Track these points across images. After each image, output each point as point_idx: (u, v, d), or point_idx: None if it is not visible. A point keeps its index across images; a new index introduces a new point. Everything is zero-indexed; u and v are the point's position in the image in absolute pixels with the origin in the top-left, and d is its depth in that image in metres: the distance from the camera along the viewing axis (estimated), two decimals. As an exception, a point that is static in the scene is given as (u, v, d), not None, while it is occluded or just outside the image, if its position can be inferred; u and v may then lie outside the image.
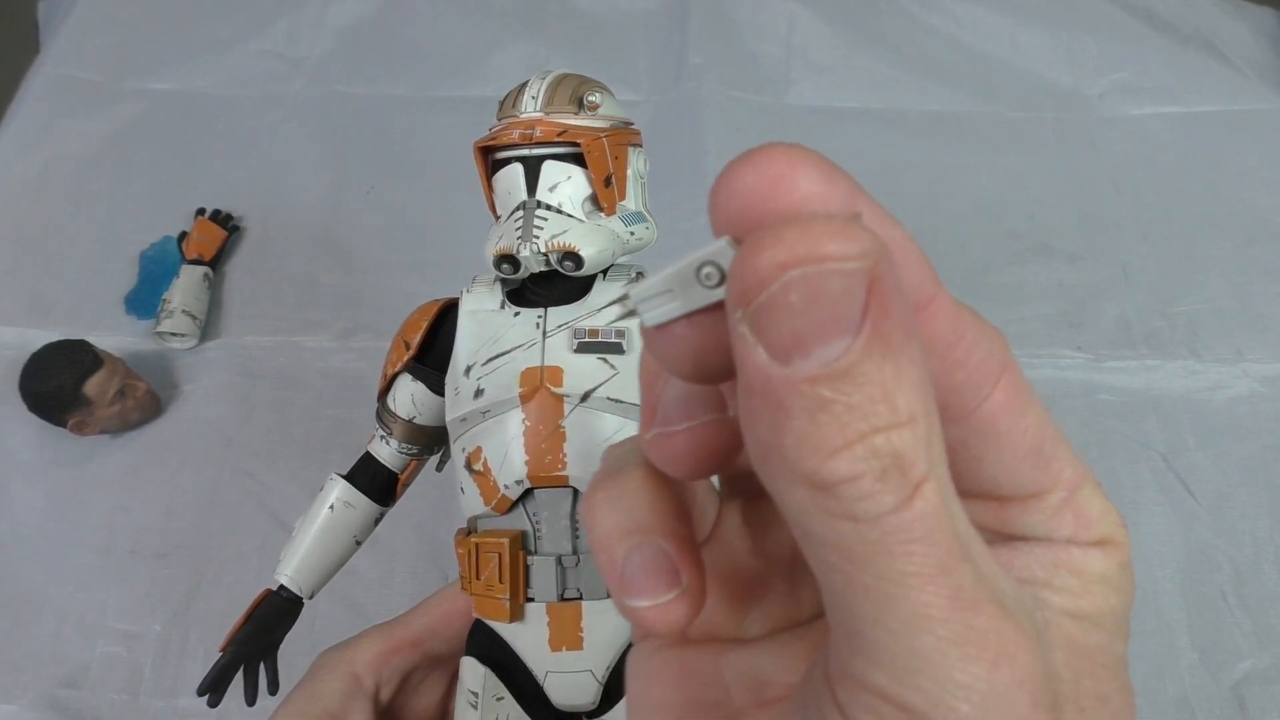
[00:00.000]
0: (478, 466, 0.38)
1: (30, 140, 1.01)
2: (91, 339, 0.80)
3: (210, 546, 0.75)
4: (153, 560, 0.76)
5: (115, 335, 0.85)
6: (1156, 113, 1.06)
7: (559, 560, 0.37)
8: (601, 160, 0.37)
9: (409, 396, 0.43)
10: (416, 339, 0.41)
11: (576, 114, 0.37)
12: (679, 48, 1.07)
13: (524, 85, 0.38)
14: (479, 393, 0.37)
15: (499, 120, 0.38)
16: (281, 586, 0.45)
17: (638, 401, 0.32)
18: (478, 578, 0.38)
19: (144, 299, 0.88)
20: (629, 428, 0.37)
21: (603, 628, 0.37)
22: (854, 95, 1.05)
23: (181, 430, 0.82)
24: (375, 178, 0.98)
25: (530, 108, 0.37)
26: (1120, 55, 1.10)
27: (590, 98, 0.37)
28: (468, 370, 0.38)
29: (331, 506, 0.45)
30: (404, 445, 0.45)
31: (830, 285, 0.13)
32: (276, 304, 0.90)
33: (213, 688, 0.46)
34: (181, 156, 1.00)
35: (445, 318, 0.42)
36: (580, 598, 0.37)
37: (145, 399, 0.80)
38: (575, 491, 0.37)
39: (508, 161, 0.38)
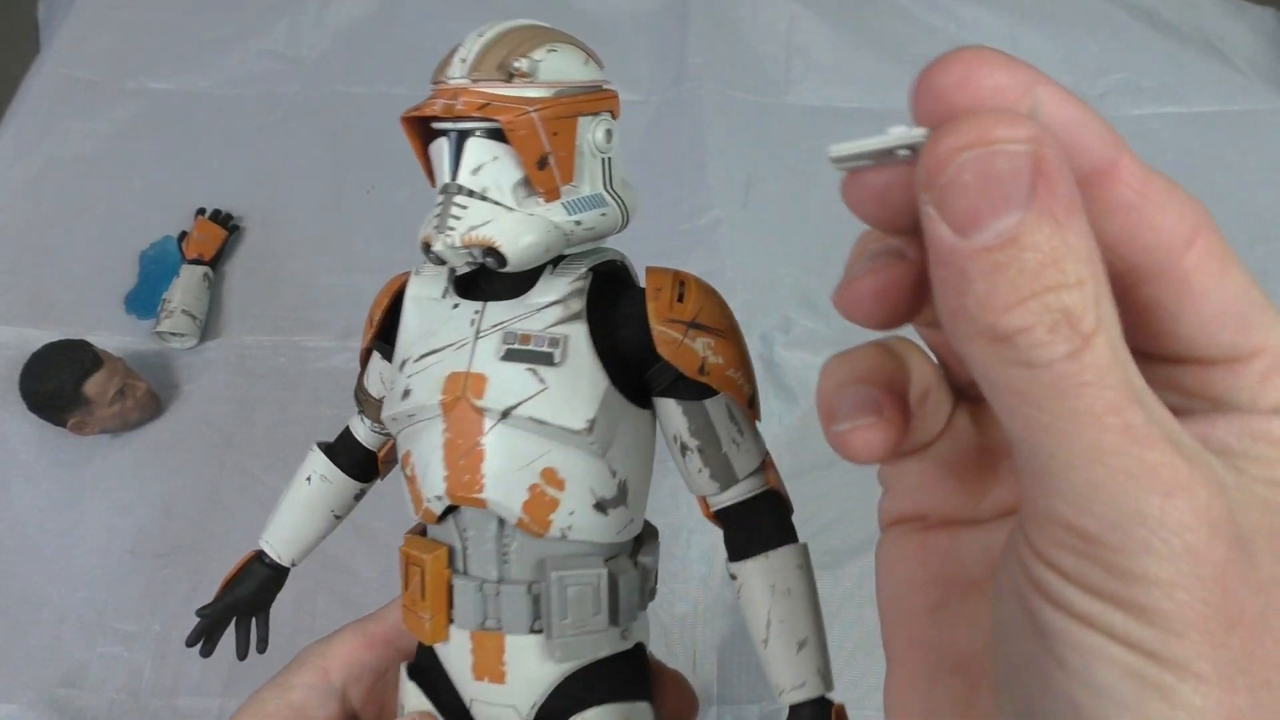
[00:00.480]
0: (408, 472, 0.35)
1: (31, 140, 1.01)
2: (91, 339, 0.80)
3: (210, 546, 0.75)
4: (153, 560, 0.76)
5: (115, 335, 0.85)
6: (1157, 113, 1.06)
7: (481, 586, 0.33)
8: (531, 140, 0.30)
9: (378, 375, 0.40)
10: (378, 316, 0.38)
11: (507, 82, 0.31)
12: (679, 48, 1.07)
13: (459, 45, 0.33)
14: (407, 393, 0.33)
15: (433, 82, 0.33)
16: (262, 552, 0.44)
17: (565, 424, 0.31)
18: (405, 589, 0.35)
19: (144, 299, 0.88)
20: (555, 454, 0.32)
21: (526, 664, 0.33)
22: (854, 95, 1.05)
23: (181, 430, 0.82)
24: (375, 178, 0.98)
25: (458, 73, 0.31)
26: (1120, 55, 1.10)
27: (518, 64, 0.30)
28: (402, 365, 0.34)
29: (309, 479, 0.43)
30: (376, 425, 0.42)
31: (998, 164, 0.16)
32: (276, 304, 0.90)
33: (201, 637, 0.45)
34: (182, 156, 1.00)
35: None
36: (500, 629, 0.33)
37: (145, 399, 0.80)
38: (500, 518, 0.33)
39: (442, 132, 0.33)
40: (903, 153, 0.18)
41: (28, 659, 0.70)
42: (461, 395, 0.32)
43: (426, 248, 0.32)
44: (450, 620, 0.34)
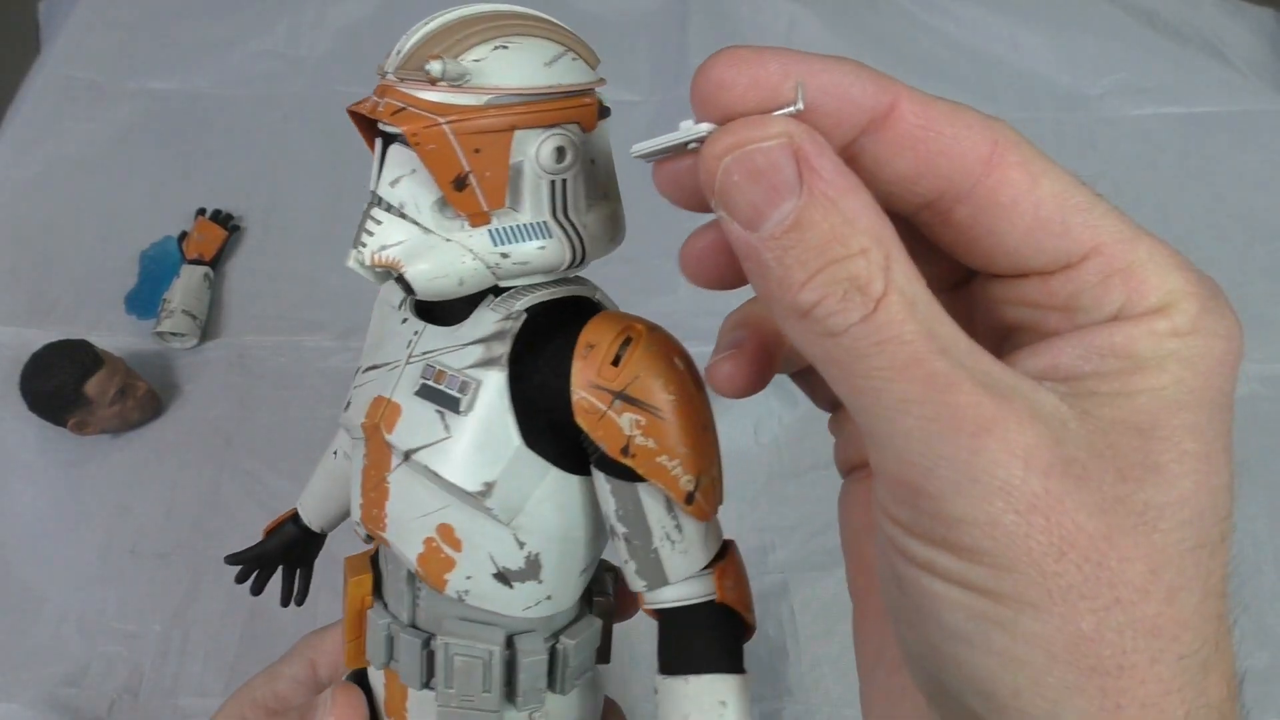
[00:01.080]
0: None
1: (31, 140, 1.01)
2: (92, 339, 0.80)
3: (210, 546, 0.75)
4: (153, 560, 0.76)
5: (116, 335, 0.86)
6: (1156, 113, 1.06)
7: (389, 625, 0.31)
8: (442, 156, 0.26)
9: None
10: None
11: (428, 87, 0.26)
12: (679, 48, 1.07)
13: (415, 26, 0.28)
14: (348, 405, 0.31)
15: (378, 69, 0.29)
16: (297, 514, 0.43)
17: (458, 482, 0.27)
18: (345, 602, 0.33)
19: (144, 299, 0.88)
20: (453, 512, 0.28)
21: (425, 717, 0.31)
22: (854, 95, 1.05)
23: (182, 430, 0.82)
24: (375, 178, 0.98)
25: (391, 66, 0.27)
26: (1120, 55, 1.10)
27: (431, 66, 0.25)
28: (355, 373, 0.32)
29: (335, 453, 0.41)
30: None
31: (759, 161, 0.18)
32: (276, 304, 0.90)
33: (236, 566, 0.45)
34: (182, 156, 1.00)
35: None
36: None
37: (145, 399, 0.80)
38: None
39: None
40: (692, 145, 0.20)
41: (28, 658, 0.70)
42: (378, 423, 0.29)
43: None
44: (365, 650, 0.32)
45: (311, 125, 1.03)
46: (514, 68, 0.26)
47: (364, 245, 0.28)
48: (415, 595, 0.31)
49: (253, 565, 0.45)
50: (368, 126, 0.29)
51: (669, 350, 0.27)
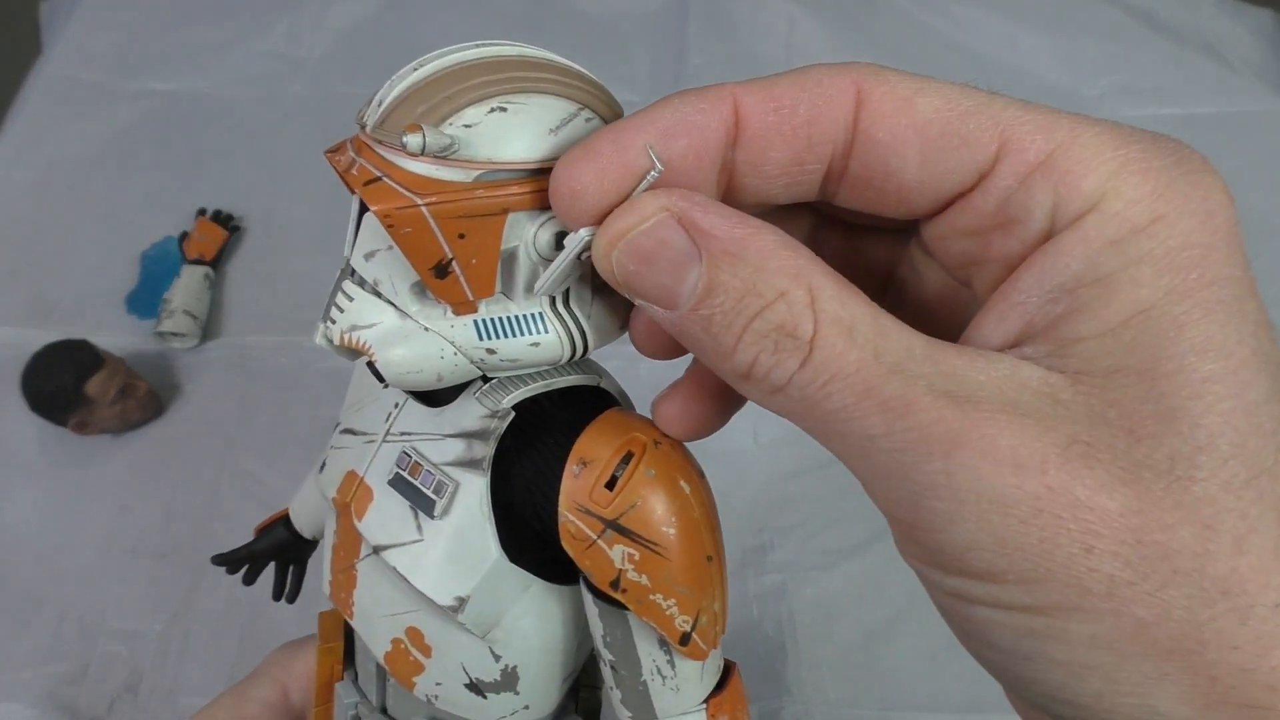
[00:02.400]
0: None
1: (32, 141, 1.01)
2: (93, 339, 0.80)
3: (210, 546, 0.75)
4: (153, 560, 0.76)
5: (116, 335, 0.86)
6: (1155, 114, 1.06)
7: (356, 706, 0.29)
8: (420, 241, 0.22)
9: None
10: None
11: (408, 156, 0.22)
12: (679, 48, 1.07)
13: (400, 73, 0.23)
14: (323, 466, 0.29)
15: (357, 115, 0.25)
16: (289, 516, 0.42)
17: (429, 593, 0.24)
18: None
19: (145, 299, 0.88)
20: (423, 617, 0.26)
21: None
22: (853, 96, 1.05)
23: (182, 430, 0.82)
24: (376, 178, 0.98)
25: (370, 119, 0.23)
26: (1119, 56, 1.10)
27: (409, 139, 0.21)
28: (335, 428, 0.29)
29: (323, 465, 0.40)
30: None
31: (645, 245, 0.17)
32: (277, 304, 0.90)
33: (222, 560, 0.44)
34: (183, 157, 1.00)
35: None
36: None
37: (146, 399, 0.80)
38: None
39: None
40: (585, 255, 0.20)
41: (29, 658, 0.70)
42: (349, 503, 0.26)
43: None
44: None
45: (312, 126, 1.03)
46: (512, 136, 0.22)
47: (333, 321, 0.24)
48: (384, 683, 0.29)
49: (241, 564, 0.44)
50: None
51: (674, 471, 0.24)
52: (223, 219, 0.94)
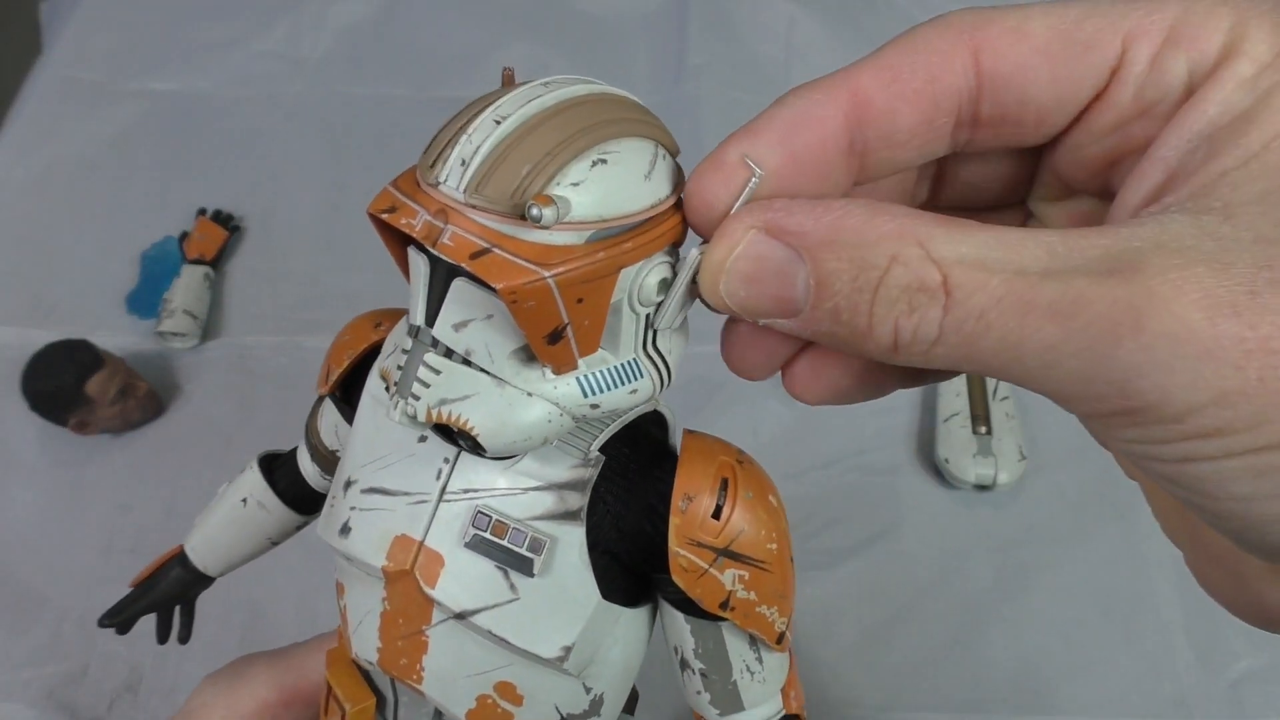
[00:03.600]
0: (341, 604, 0.28)
1: (32, 141, 1.01)
2: (93, 339, 0.80)
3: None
4: (153, 560, 0.76)
5: (116, 335, 0.86)
6: (1156, 114, 1.06)
7: None
8: (542, 313, 0.21)
9: (332, 426, 0.32)
10: (337, 374, 0.30)
11: (517, 223, 0.20)
12: (679, 48, 1.07)
13: (469, 121, 0.21)
14: (346, 529, 0.26)
15: (420, 167, 0.23)
16: (185, 554, 0.40)
17: (533, 650, 0.24)
18: (324, 716, 0.30)
19: (145, 299, 0.88)
20: (517, 670, 0.25)
21: None
22: (854, 96, 1.05)
23: (182, 430, 0.82)
24: (376, 178, 0.98)
25: (454, 180, 0.21)
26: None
27: (536, 211, 0.19)
28: (347, 484, 0.27)
29: (244, 501, 0.37)
30: (325, 475, 0.34)
31: (745, 267, 0.18)
32: (277, 304, 0.90)
33: (113, 620, 0.43)
34: (183, 157, 1.00)
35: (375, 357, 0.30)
36: None
37: (146, 399, 0.80)
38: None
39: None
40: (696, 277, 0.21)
41: (28, 657, 0.70)
42: (409, 570, 0.25)
43: (386, 388, 0.24)
44: None
45: (312, 126, 1.03)
46: (617, 189, 0.21)
47: (417, 397, 0.22)
48: None
49: (134, 620, 0.43)
50: (388, 225, 0.23)
51: (765, 487, 0.25)
52: (223, 219, 0.94)
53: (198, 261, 0.90)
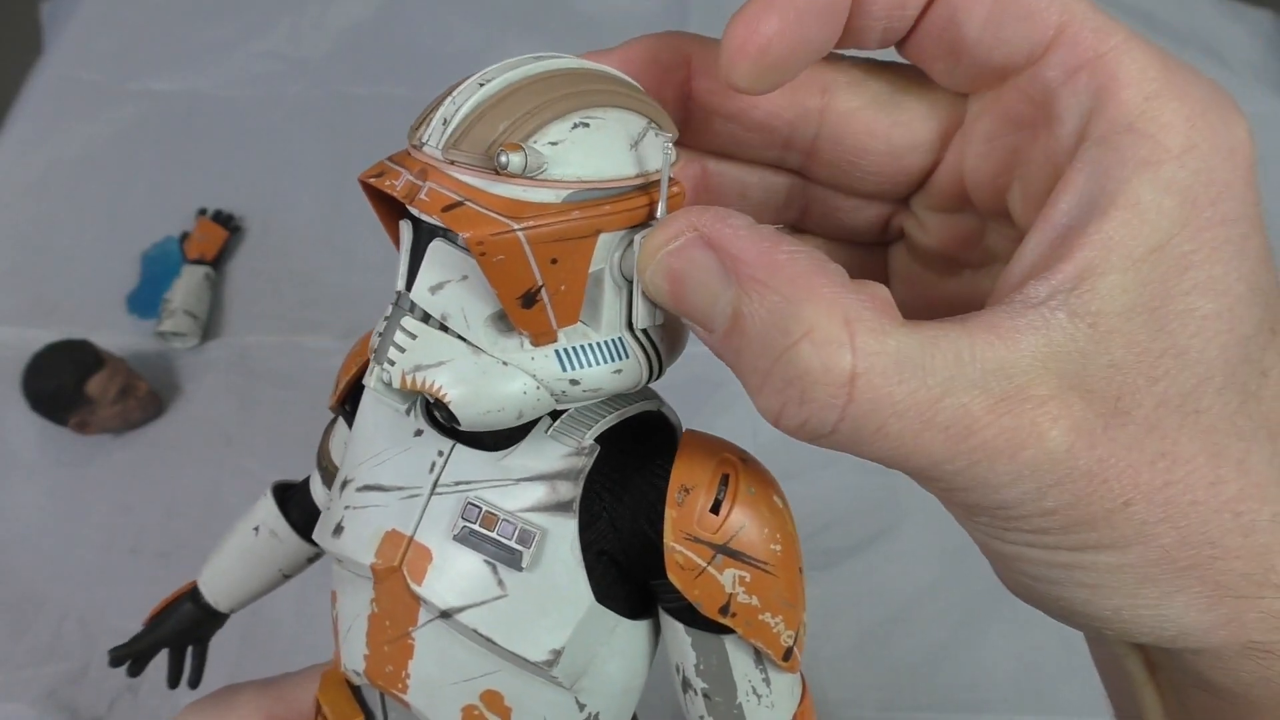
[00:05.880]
0: (334, 614, 0.27)
1: (33, 141, 1.01)
2: (93, 339, 0.80)
3: (210, 546, 0.75)
4: (154, 559, 0.76)
5: (117, 335, 0.86)
6: (1155, 115, 1.06)
7: None
8: (513, 269, 0.20)
9: (342, 443, 0.31)
10: (344, 382, 0.29)
11: (492, 176, 0.20)
12: (679, 49, 1.07)
13: (455, 86, 0.22)
14: (339, 530, 0.25)
15: (409, 133, 0.23)
16: (198, 590, 0.39)
17: (520, 651, 0.23)
18: None
19: (145, 299, 0.88)
20: (504, 677, 0.24)
21: None
22: (854, 97, 1.05)
23: (183, 430, 0.82)
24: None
25: (435, 139, 0.21)
26: (1119, 57, 1.10)
27: (510, 160, 0.20)
28: (343, 485, 0.26)
29: (256, 529, 0.36)
30: None
31: (674, 264, 0.17)
32: (277, 304, 0.90)
33: (124, 662, 0.41)
34: (183, 157, 1.01)
35: None
36: None
37: (147, 398, 0.80)
38: None
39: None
40: None
41: (29, 657, 0.70)
42: (398, 567, 0.24)
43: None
44: None
45: (313, 126, 1.03)
46: (598, 153, 0.21)
47: (392, 362, 0.22)
48: None
49: (149, 652, 0.41)
50: (382, 198, 0.23)
51: (769, 486, 0.24)
52: (223, 219, 0.94)
53: (198, 261, 0.90)
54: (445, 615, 0.23)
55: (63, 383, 0.76)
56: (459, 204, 0.20)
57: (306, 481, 0.35)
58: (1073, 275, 0.16)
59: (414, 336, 0.22)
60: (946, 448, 0.16)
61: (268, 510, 0.36)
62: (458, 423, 0.22)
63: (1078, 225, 0.16)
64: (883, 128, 0.20)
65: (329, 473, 0.32)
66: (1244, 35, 1.13)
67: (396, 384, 0.22)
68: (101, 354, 0.78)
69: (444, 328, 0.22)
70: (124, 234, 0.94)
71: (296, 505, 0.35)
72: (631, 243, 0.21)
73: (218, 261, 0.92)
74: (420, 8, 1.09)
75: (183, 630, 0.40)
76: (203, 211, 0.94)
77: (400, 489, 0.24)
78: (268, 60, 1.08)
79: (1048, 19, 0.16)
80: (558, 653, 0.23)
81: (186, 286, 0.87)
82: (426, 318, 0.22)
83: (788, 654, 0.24)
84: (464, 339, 0.22)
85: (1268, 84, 1.09)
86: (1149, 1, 1.14)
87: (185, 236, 0.92)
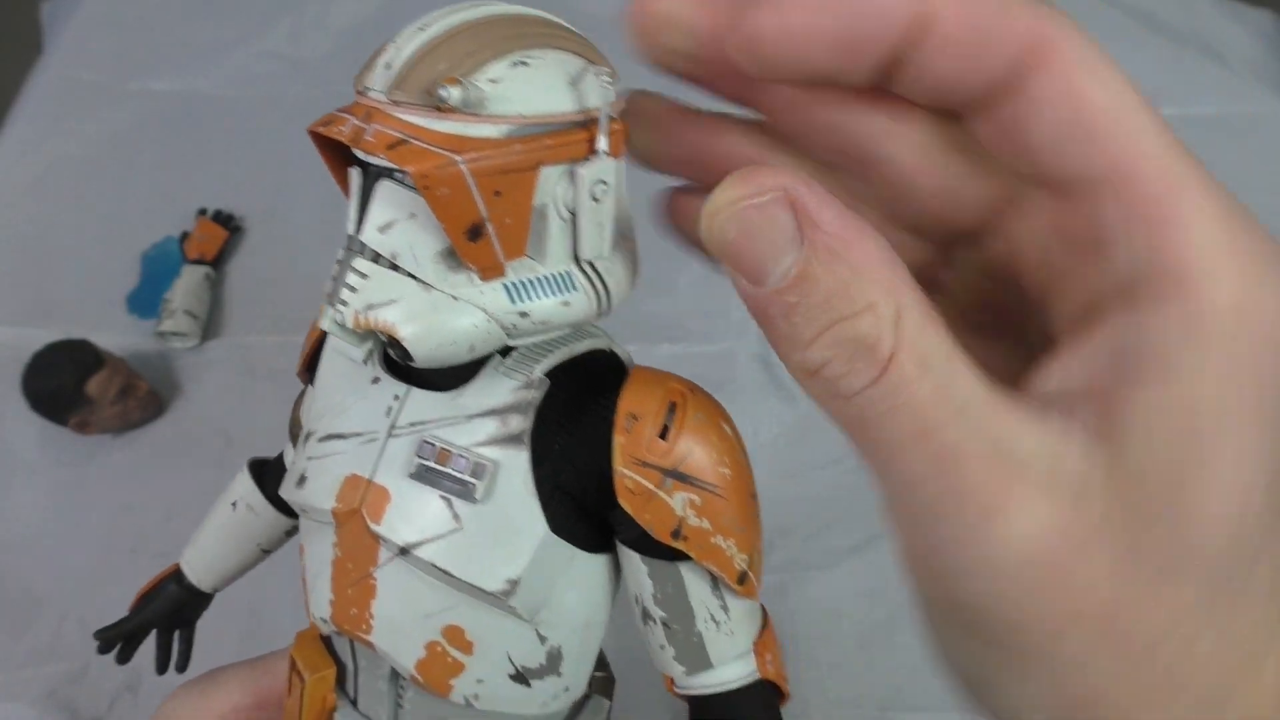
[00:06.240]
0: (302, 567, 0.28)
1: (33, 141, 1.01)
2: (93, 339, 0.80)
3: (211, 546, 0.75)
4: (154, 559, 0.75)
5: (117, 335, 0.86)
6: (1155, 115, 1.06)
7: None
8: (456, 202, 0.21)
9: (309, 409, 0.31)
10: (308, 346, 0.30)
11: (434, 114, 0.21)
12: (679, 49, 1.07)
13: (398, 34, 0.23)
14: (303, 480, 0.26)
15: (355, 82, 0.24)
16: (181, 571, 0.40)
17: (476, 582, 0.23)
18: (288, 695, 0.29)
19: (146, 299, 0.88)
20: (463, 611, 0.24)
21: None
22: (854, 97, 1.05)
23: (183, 430, 0.82)
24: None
25: (379, 84, 0.22)
26: (1119, 58, 1.08)
27: (446, 92, 0.20)
28: (306, 437, 0.27)
29: (234, 505, 0.37)
30: None
31: (752, 218, 0.17)
32: (278, 304, 0.90)
33: (112, 646, 0.42)
34: (183, 157, 1.01)
35: None
36: None
37: (147, 398, 0.80)
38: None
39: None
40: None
41: (29, 657, 0.70)
42: (358, 509, 0.24)
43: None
44: None
45: (312, 126, 1.03)
46: (537, 89, 0.22)
47: (344, 303, 0.22)
48: (399, 696, 0.26)
49: (136, 635, 0.42)
50: (332, 149, 0.24)
51: (717, 414, 0.24)
52: (223, 219, 0.94)
53: (198, 261, 0.90)
54: (404, 552, 0.24)
55: (63, 383, 0.76)
56: (403, 141, 0.21)
57: (281, 456, 0.36)
58: (1101, 404, 0.16)
59: (365, 276, 0.23)
60: (931, 470, 0.16)
61: (245, 485, 0.37)
62: (411, 359, 0.22)
63: (1111, 373, 0.16)
64: (935, 177, 0.19)
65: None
66: (1244, 35, 1.13)
67: (349, 323, 0.22)
68: (101, 354, 0.78)
69: (394, 267, 0.22)
70: (124, 234, 0.94)
71: (273, 479, 0.35)
72: (574, 176, 0.22)
73: (218, 261, 0.92)
74: (420, 8, 1.09)
75: (168, 612, 0.41)
76: (203, 211, 0.94)
77: (359, 435, 0.25)
78: (268, 60, 1.08)
79: (1110, 148, 0.16)
80: (514, 583, 0.23)
81: (186, 286, 0.87)
82: (377, 258, 0.23)
83: (742, 578, 0.25)
84: (414, 276, 0.22)
85: (1268, 84, 1.09)
86: (1149, 1, 1.14)
87: (185, 236, 0.92)
